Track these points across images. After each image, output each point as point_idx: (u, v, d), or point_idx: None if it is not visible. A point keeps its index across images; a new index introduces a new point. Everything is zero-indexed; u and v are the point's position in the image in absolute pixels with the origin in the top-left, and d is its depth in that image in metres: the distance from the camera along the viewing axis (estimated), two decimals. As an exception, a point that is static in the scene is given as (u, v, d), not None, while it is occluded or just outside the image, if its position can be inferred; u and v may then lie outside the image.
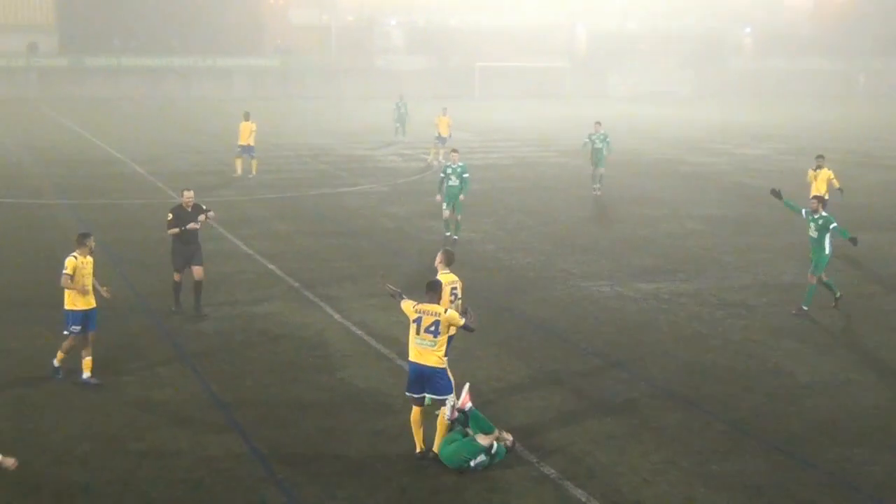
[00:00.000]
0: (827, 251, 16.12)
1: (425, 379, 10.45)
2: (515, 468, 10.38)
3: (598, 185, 28.40)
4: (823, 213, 16.15)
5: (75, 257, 12.52)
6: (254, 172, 31.40)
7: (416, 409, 10.60)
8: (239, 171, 31.43)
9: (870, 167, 36.92)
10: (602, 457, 10.73)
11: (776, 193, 16.94)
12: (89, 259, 12.63)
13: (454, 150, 22.32)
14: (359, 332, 15.13)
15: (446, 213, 21.89)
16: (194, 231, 15.45)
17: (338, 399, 12.36)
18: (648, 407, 12.26)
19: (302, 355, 14.10)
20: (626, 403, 12.36)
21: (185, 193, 15.47)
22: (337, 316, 16.07)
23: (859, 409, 12.22)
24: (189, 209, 15.37)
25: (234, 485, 9.89)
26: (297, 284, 18.16)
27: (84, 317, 12.52)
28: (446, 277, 11.69)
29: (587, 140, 28.55)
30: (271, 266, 19.66)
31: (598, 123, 28.90)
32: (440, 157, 36.65)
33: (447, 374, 10.54)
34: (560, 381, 13.11)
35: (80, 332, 12.55)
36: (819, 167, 22.17)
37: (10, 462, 8.11)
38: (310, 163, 36.93)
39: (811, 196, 19.72)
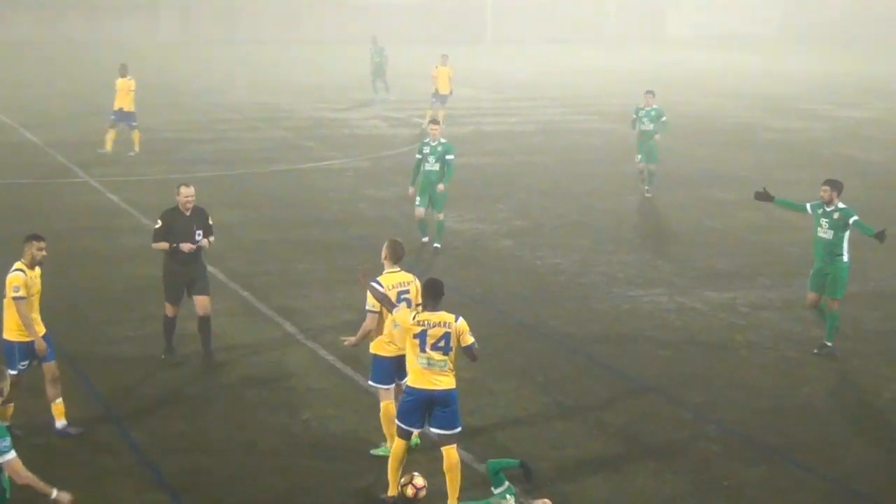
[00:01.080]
0: (845, 258, 15.24)
1: (434, 406, 10.66)
2: (542, 540, 10.39)
3: (648, 187, 26.28)
4: (840, 205, 15.30)
5: (23, 271, 12.13)
6: (136, 148, 30.62)
7: (399, 443, 10.81)
8: (108, 146, 30.70)
9: None
10: (659, 525, 10.73)
11: (763, 196, 15.92)
12: (37, 272, 12.34)
13: (434, 122, 21.38)
14: (330, 357, 15.12)
15: (420, 210, 20.76)
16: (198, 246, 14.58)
17: (303, 447, 12.34)
18: (721, 458, 12.24)
19: (254, 389, 14.07)
20: (691, 453, 12.33)
21: (183, 191, 14.52)
22: (300, 336, 16.06)
23: None
24: (187, 213, 14.49)
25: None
26: (245, 293, 18.16)
27: (30, 348, 12.18)
28: (394, 277, 11.75)
29: (634, 117, 27.07)
30: (211, 268, 19.60)
31: (650, 94, 26.35)
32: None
33: (457, 398, 10.76)
34: (602, 423, 13.11)
35: (27, 369, 12.24)
36: None
37: (66, 498, 8.83)
38: (263, 129, 36.90)
39: None
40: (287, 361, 15.02)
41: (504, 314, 17.21)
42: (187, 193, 14.53)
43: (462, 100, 42.00)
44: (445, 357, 10.59)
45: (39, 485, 8.77)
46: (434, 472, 10.99)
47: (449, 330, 10.59)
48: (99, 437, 12.53)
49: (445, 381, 10.64)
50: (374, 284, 11.52)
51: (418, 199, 20.67)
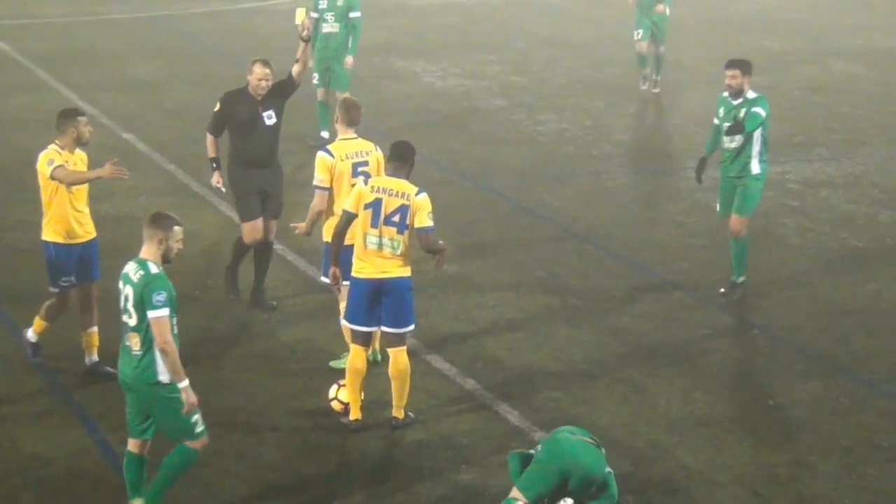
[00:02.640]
0: (756, 169, 13.55)
1: (383, 296, 10.79)
2: None
3: (654, 77, 22.53)
4: (751, 94, 13.45)
5: (58, 152, 11.51)
6: None
7: (357, 352, 10.96)
8: None
9: None
10: None
11: (699, 170, 14.10)
12: (80, 156, 11.78)
13: None
14: (278, 247, 14.99)
15: (322, 91, 19.36)
16: (272, 137, 13.77)
17: (245, 360, 12.30)
18: (765, 372, 12.31)
19: (182, 286, 13.91)
20: (729, 366, 12.37)
21: (257, 70, 13.55)
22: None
23: None
24: (257, 97, 13.63)
25: None
26: (172, 166, 18.05)
27: (79, 257, 11.78)
28: (348, 146, 11.77)
29: None
30: (126, 135, 19.49)
31: None
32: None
33: (412, 289, 10.91)
34: (617, 328, 13.10)
35: (70, 285, 11.74)
36: None
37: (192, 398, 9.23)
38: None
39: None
40: (223, 251, 14.78)
41: (496, 194, 17.22)
42: (262, 74, 13.56)
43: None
44: (400, 237, 10.64)
45: (178, 363, 9.14)
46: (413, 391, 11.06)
47: (407, 203, 10.63)
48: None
49: (396, 268, 10.74)
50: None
51: (317, 74, 19.20)
